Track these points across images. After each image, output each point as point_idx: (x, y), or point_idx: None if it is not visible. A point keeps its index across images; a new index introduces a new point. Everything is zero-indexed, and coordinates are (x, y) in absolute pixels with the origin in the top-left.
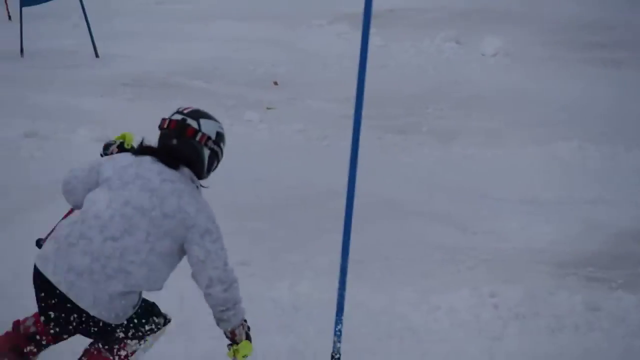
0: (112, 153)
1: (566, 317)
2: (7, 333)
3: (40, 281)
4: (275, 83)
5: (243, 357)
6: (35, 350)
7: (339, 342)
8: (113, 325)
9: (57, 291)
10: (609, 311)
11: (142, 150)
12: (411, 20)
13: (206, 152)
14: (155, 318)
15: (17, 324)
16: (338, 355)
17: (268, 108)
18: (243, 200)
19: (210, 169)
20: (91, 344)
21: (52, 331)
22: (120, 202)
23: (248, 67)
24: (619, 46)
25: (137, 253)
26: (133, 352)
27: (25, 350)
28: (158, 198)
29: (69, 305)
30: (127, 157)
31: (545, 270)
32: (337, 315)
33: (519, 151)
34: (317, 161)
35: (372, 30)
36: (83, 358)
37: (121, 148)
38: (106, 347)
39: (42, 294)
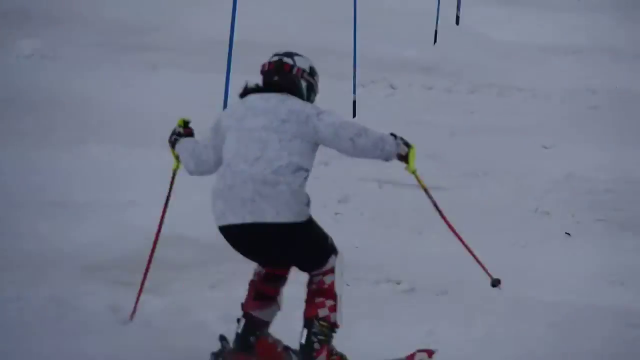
0: (179, 134)
1: (90, 321)
2: (248, 292)
3: (231, 234)
4: None
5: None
6: (274, 287)
7: None
8: (299, 226)
9: (247, 227)
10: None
11: (248, 91)
12: None
13: (303, 84)
14: (324, 240)
15: (252, 282)
16: None
17: None
18: None
19: (309, 98)
20: (308, 285)
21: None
22: (245, 133)
23: None
24: (162, 48)
25: (280, 159)
26: (332, 282)
27: (267, 293)
28: (271, 113)
29: (258, 231)
30: (233, 104)
31: (73, 273)
32: None
33: (56, 154)
34: None
35: None
36: (306, 308)
37: (186, 126)
38: (313, 275)
39: (239, 244)
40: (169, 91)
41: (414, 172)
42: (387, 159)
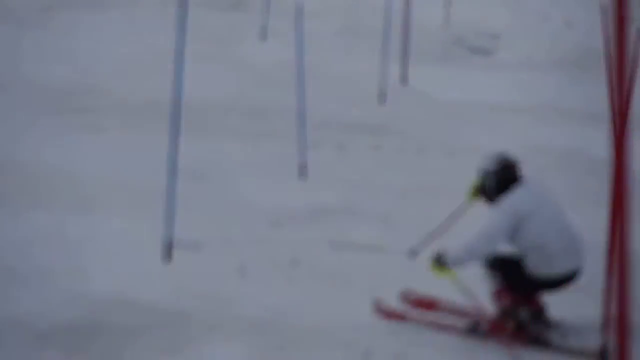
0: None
1: None
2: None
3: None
4: None
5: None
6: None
7: None
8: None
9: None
10: None
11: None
12: None
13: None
14: None
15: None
16: None
17: None
18: None
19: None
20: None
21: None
22: (551, 214)
23: None
24: (101, 111)
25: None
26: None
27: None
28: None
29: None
30: (520, 192)
31: (26, 341)
32: None
33: (3, 220)
34: None
35: None
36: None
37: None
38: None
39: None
40: (113, 154)
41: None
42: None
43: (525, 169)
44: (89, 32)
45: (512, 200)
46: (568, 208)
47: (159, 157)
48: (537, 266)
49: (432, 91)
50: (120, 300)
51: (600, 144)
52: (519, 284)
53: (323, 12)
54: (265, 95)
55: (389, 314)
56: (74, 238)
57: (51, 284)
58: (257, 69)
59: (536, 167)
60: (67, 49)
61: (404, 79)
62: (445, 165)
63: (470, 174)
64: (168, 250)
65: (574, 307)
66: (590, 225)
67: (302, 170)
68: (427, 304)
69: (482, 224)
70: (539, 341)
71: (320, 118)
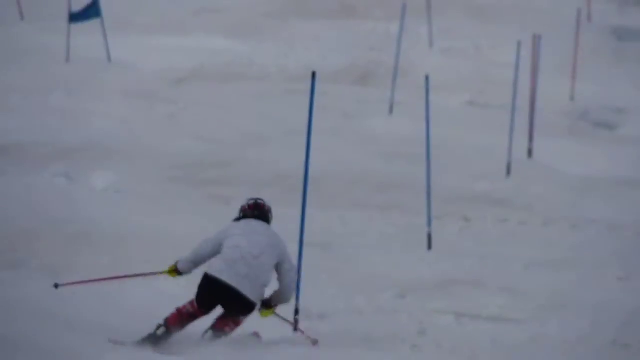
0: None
1: None
2: (177, 315)
3: (212, 283)
4: None
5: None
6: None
7: None
8: (252, 304)
9: (227, 287)
10: None
11: (245, 216)
12: (22, 154)
13: (270, 216)
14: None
15: (184, 312)
16: None
17: None
18: None
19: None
20: (221, 317)
21: (202, 309)
22: (253, 241)
23: None
24: (230, 183)
25: (264, 265)
26: (240, 323)
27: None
28: (267, 237)
29: (232, 293)
30: (240, 222)
31: None
32: None
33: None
34: None
35: None
36: (217, 322)
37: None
38: (230, 317)
39: (209, 291)
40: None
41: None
42: (285, 299)
43: None
44: (219, 105)
45: None
46: None
47: (288, 228)
48: None
49: (558, 164)
50: None
51: None
52: None
53: (451, 86)
54: (391, 168)
55: None
56: None
57: None
58: (384, 142)
59: None
60: (196, 121)
61: (530, 152)
62: (570, 237)
63: (593, 246)
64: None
65: None
66: None
67: (429, 242)
68: None
69: None
70: None
71: (447, 191)
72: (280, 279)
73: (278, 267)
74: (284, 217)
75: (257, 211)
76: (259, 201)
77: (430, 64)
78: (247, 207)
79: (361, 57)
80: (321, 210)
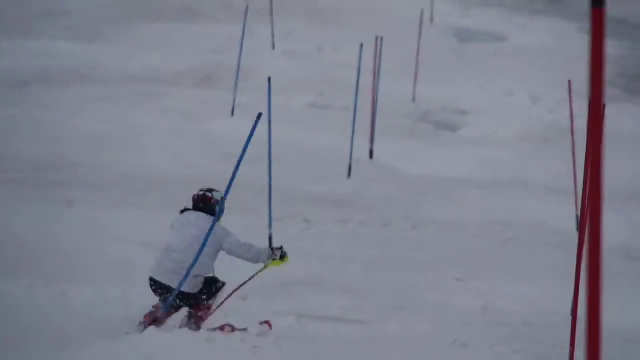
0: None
1: None
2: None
3: (150, 281)
4: None
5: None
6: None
7: None
8: (193, 293)
9: (163, 284)
10: None
11: (186, 209)
12: None
13: (217, 208)
14: (215, 284)
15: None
16: None
17: None
18: None
19: (219, 215)
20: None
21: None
22: (181, 234)
23: None
24: (73, 185)
25: (199, 255)
26: (210, 306)
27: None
28: (200, 228)
29: (166, 289)
30: (182, 215)
31: None
32: None
33: None
34: None
35: None
36: (192, 312)
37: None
38: (197, 304)
39: (153, 290)
40: (85, 227)
41: (266, 266)
42: (263, 262)
43: (490, 241)
44: (63, 108)
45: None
46: (533, 279)
47: (132, 230)
48: None
49: (399, 165)
50: None
51: (564, 217)
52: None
53: (293, 87)
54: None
55: None
56: (47, 307)
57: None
58: (225, 143)
59: (501, 239)
60: (38, 124)
61: (371, 153)
62: (410, 238)
63: (433, 247)
64: None
65: None
66: (555, 296)
67: (270, 244)
68: None
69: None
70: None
71: (288, 192)
72: (239, 257)
73: (226, 250)
74: (126, 219)
75: (201, 203)
76: (207, 193)
77: (272, 66)
78: (193, 198)
79: (204, 59)
80: (163, 211)
